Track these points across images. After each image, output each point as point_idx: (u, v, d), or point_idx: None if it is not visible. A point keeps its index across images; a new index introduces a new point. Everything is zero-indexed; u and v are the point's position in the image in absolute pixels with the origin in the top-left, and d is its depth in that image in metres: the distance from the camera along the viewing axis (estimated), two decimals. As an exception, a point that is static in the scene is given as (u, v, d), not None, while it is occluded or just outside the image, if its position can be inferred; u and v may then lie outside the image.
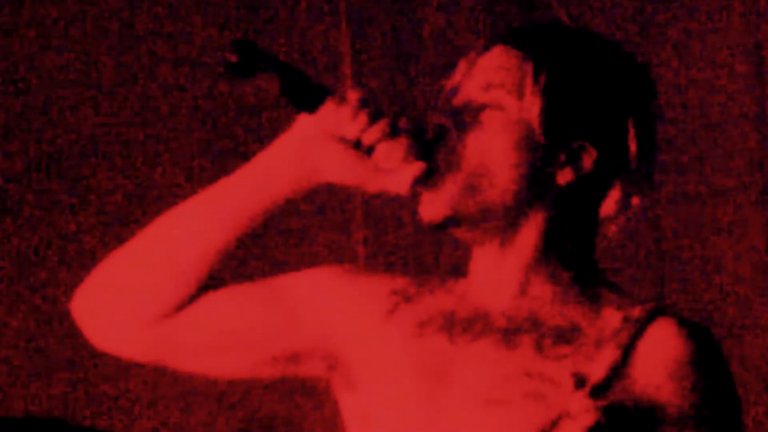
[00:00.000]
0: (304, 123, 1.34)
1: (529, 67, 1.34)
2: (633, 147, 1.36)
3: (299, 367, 1.39)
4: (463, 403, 1.30)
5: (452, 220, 1.34)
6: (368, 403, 1.35)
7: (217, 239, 1.35)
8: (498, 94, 1.34)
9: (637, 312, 1.30)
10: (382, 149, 1.31)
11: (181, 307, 1.34)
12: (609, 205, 1.38)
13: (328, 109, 1.30)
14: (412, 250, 3.20)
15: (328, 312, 1.38)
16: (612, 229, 1.39)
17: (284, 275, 1.41)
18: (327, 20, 3.42)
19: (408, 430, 1.31)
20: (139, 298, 1.33)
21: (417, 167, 1.31)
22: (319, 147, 1.33)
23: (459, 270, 1.42)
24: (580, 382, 1.20)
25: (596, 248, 1.40)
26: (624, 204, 1.38)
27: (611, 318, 1.31)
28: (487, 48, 1.38)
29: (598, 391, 1.22)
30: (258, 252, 2.88)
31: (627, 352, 1.27)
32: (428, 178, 1.33)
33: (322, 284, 1.40)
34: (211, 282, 1.37)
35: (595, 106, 1.36)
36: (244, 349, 1.37)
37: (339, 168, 1.34)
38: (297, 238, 3.22)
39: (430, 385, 1.31)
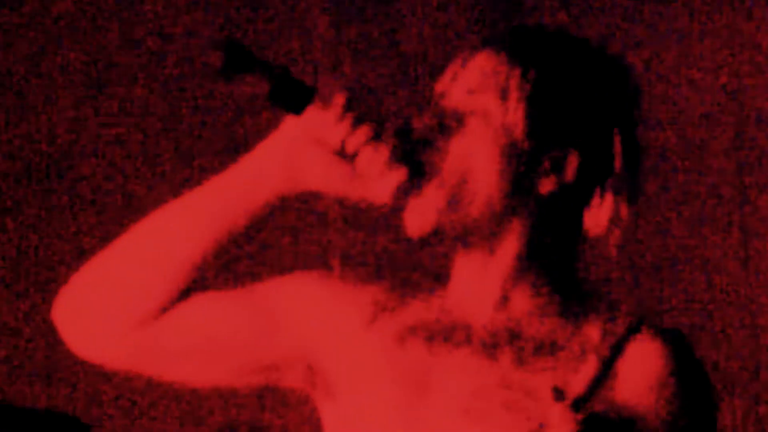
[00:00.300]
0: (289, 125, 1.33)
1: (515, 72, 1.33)
2: (618, 155, 1.35)
3: (280, 377, 1.39)
4: (442, 413, 1.29)
5: (437, 234, 1.33)
6: (348, 412, 1.34)
7: (200, 243, 1.34)
8: (483, 99, 1.33)
9: (618, 325, 1.30)
10: (364, 155, 1.30)
11: (162, 311, 1.33)
12: (598, 217, 1.36)
13: (313, 112, 1.30)
14: (387, 257, 3.20)
15: (309, 320, 1.37)
16: (610, 248, 1.37)
17: (265, 282, 1.40)
18: (323, 18, 3.42)
19: None
20: (120, 301, 1.32)
21: (399, 174, 1.30)
22: (303, 151, 1.32)
23: (437, 279, 1.41)
24: (559, 394, 1.19)
25: (579, 258, 1.39)
26: (616, 218, 1.36)
27: (593, 331, 1.30)
28: (474, 51, 1.37)
29: (579, 404, 1.21)
30: (236, 258, 2.87)
31: (608, 365, 1.26)
32: (411, 186, 1.32)
33: (302, 292, 1.39)
34: (193, 287, 1.36)
35: (580, 113, 1.35)
36: (225, 357, 1.36)
37: (322, 173, 1.33)
38: (273, 246, 3.22)
39: (409, 394, 1.30)
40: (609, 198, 1.35)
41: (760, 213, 3.32)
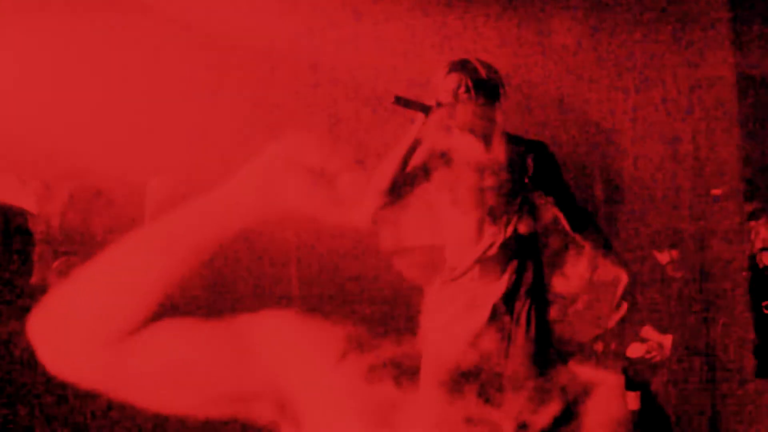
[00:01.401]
0: (271, 150, 1.35)
1: (498, 118, 1.36)
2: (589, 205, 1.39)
3: (249, 409, 1.40)
4: None
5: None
6: None
7: (172, 265, 1.35)
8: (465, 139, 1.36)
9: (586, 373, 1.33)
10: (345, 179, 1.31)
11: (131, 332, 1.34)
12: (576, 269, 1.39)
13: (296, 137, 1.31)
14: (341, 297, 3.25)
15: (281, 355, 1.39)
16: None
17: (240, 316, 1.41)
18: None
19: None
20: (90, 321, 1.33)
21: (379, 199, 1.32)
22: (284, 175, 1.33)
23: (409, 320, 1.44)
24: (522, 427, 1.21)
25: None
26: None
27: (561, 376, 1.33)
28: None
29: (542, 439, 1.23)
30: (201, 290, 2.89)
31: (572, 407, 1.29)
32: (390, 211, 1.34)
33: (275, 328, 1.41)
34: (165, 312, 1.37)
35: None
36: (194, 384, 1.38)
37: (301, 196, 1.34)
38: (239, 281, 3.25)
39: (374, 428, 1.32)
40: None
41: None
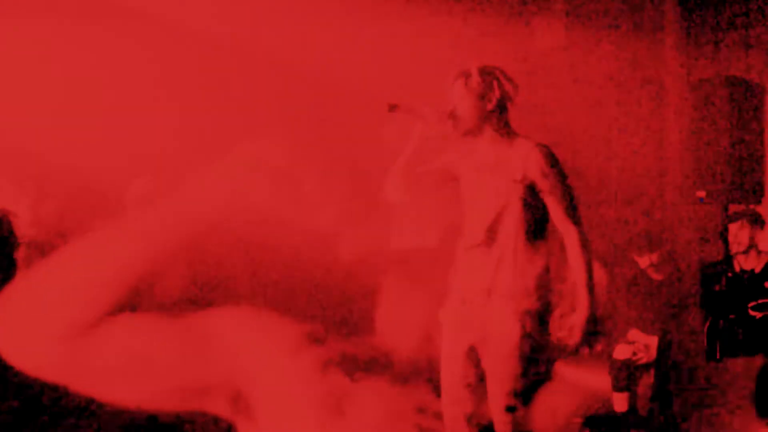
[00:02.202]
0: (239, 151, 1.38)
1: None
2: None
3: (205, 402, 1.42)
4: None
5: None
6: None
7: (135, 262, 1.38)
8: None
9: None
10: (311, 181, 1.35)
11: (91, 325, 1.37)
12: None
13: (265, 138, 1.35)
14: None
15: (239, 348, 1.41)
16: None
17: (198, 312, 1.44)
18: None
19: None
20: (51, 313, 1.36)
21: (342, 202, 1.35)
22: (250, 175, 1.37)
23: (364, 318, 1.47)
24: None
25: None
26: None
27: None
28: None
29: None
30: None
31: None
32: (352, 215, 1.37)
33: (232, 323, 1.43)
34: (124, 308, 1.40)
35: None
36: (151, 377, 1.40)
37: (268, 195, 1.37)
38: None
39: (326, 417, 1.35)
40: None
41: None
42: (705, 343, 4.99)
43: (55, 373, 1.39)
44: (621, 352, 5.74)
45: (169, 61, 4.56)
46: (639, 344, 5.59)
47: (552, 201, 3.53)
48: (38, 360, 1.38)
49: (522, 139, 3.57)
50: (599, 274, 5.84)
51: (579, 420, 5.47)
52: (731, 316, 5.15)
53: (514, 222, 3.50)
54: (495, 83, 3.54)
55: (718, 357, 5.13)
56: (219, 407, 1.42)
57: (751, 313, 5.24)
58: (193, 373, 1.41)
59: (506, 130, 3.57)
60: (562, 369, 5.46)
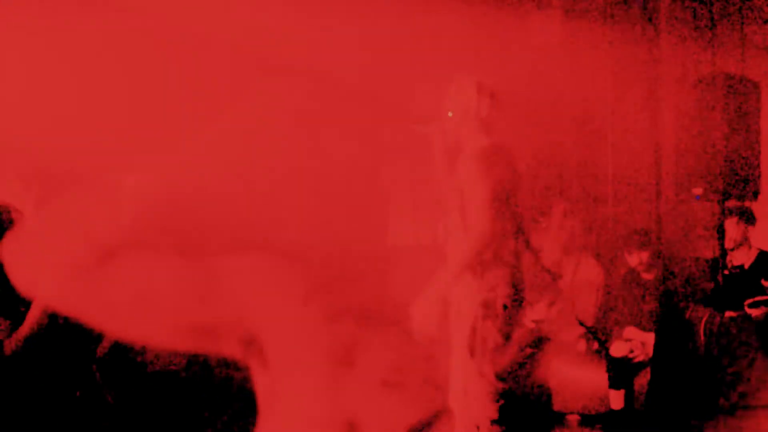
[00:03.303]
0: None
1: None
2: None
3: (217, 344, 1.44)
4: (362, 384, 1.36)
5: None
6: (279, 380, 1.40)
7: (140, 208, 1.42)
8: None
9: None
10: None
11: (102, 260, 1.37)
12: None
13: None
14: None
15: (251, 292, 1.43)
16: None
17: (213, 255, 1.46)
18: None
19: (313, 407, 1.36)
20: (58, 252, 1.37)
21: None
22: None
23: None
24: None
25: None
26: None
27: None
28: None
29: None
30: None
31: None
32: None
33: (245, 267, 1.45)
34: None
35: None
36: (162, 313, 1.41)
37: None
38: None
39: (335, 366, 1.37)
40: None
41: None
42: (702, 340, 5.01)
43: (69, 306, 1.41)
44: (617, 349, 5.77)
45: (171, 59, 4.59)
46: (635, 342, 5.61)
47: None
48: (52, 293, 1.40)
49: None
50: (596, 271, 5.89)
51: (577, 417, 5.49)
52: (728, 313, 5.17)
53: None
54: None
55: (715, 354, 5.14)
56: (232, 350, 1.43)
57: (748, 310, 5.26)
58: (205, 313, 1.41)
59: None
60: (559, 366, 5.49)
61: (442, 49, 4.44)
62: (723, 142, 4.87)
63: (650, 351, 5.40)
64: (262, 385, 1.43)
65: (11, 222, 3.54)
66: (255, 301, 1.43)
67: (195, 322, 1.41)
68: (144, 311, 1.40)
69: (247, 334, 1.42)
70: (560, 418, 5.39)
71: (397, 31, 4.66)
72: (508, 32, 4.43)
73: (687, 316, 5.12)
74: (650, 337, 5.45)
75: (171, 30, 4.36)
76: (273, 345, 1.42)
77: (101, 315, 1.40)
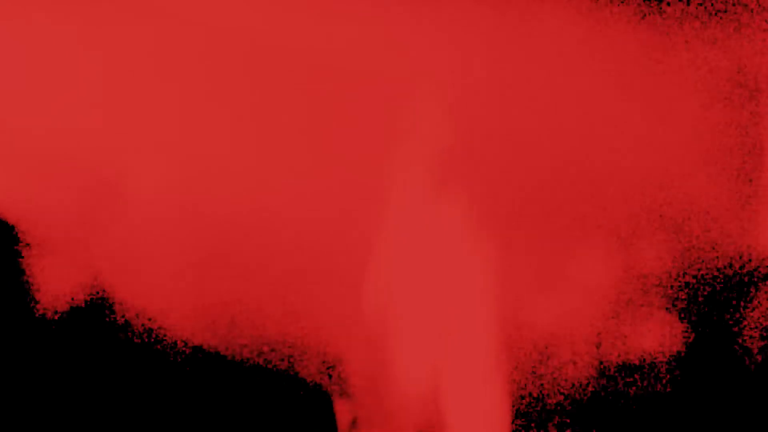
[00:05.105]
0: None
1: None
2: None
3: None
4: None
5: None
6: None
7: None
8: None
9: None
10: None
11: None
12: None
13: None
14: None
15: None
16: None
17: None
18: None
19: None
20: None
21: None
22: None
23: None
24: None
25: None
26: None
27: None
28: None
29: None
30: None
31: None
32: None
33: None
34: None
35: None
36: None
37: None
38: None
39: None
40: None
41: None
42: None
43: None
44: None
45: (175, 56, 4.54)
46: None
47: None
48: None
49: None
50: (603, 265, 5.82)
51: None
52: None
53: None
54: None
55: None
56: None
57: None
58: None
59: None
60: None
61: (444, 47, 4.39)
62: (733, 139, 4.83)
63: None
64: None
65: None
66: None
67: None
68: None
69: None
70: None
71: (398, 29, 4.60)
72: (513, 21, 4.38)
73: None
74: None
75: (185, 31, 4.31)
76: None
77: None
